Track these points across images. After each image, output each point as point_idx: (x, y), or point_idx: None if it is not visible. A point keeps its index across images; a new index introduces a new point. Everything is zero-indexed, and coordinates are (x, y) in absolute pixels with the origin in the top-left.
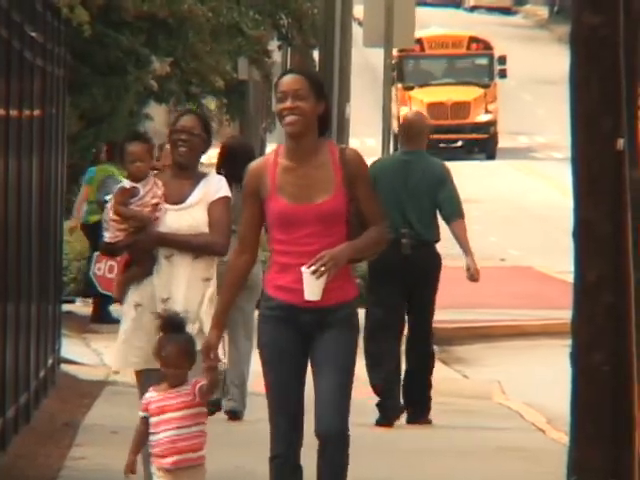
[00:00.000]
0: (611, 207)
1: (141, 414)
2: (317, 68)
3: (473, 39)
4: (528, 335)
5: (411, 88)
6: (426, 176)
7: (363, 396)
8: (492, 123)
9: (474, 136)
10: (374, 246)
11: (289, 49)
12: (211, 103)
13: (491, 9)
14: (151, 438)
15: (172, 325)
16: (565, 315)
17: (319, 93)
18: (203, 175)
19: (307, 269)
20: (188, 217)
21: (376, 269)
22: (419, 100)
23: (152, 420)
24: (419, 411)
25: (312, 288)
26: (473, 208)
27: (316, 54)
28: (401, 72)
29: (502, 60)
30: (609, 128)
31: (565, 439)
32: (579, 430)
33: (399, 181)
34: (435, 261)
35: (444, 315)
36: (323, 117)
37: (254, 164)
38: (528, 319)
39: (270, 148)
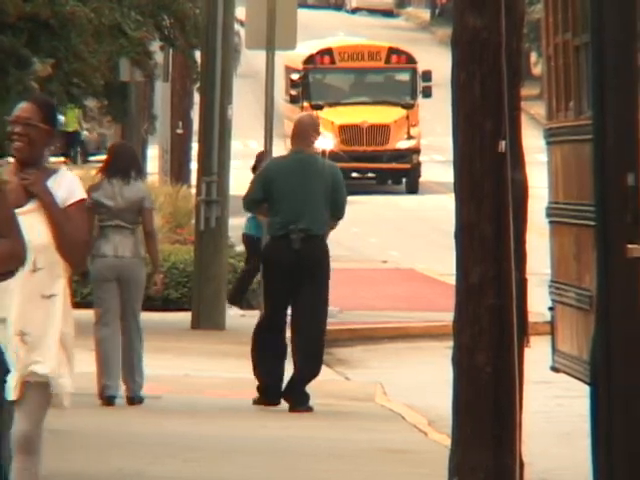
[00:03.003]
0: (493, 209)
1: None
2: (199, 69)
3: (393, 50)
4: (410, 337)
5: (320, 107)
6: (322, 177)
7: (244, 396)
8: (415, 150)
9: (394, 165)
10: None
11: (171, 50)
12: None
13: (373, 11)
14: None
15: None
16: (447, 317)
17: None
18: (51, 172)
19: None
20: (33, 221)
21: (269, 265)
22: (329, 122)
23: None
24: (303, 399)
25: None
26: (353, 209)
27: (199, 55)
28: (307, 88)
29: (427, 76)
30: (491, 130)
31: (447, 441)
32: (461, 431)
33: (295, 180)
34: (324, 255)
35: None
36: None
37: None
38: (410, 321)
39: (152, 150)
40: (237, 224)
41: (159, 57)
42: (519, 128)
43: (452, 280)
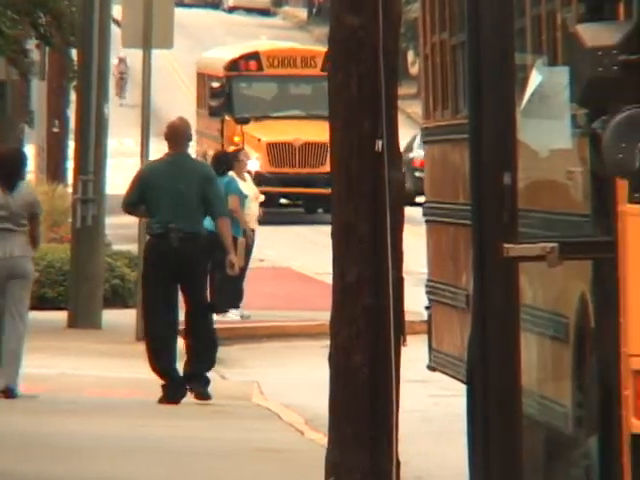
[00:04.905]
0: (370, 208)
1: None
2: (76, 68)
3: None
4: (287, 336)
5: (245, 121)
6: (194, 176)
7: (120, 395)
8: None
9: (331, 191)
10: None
11: (47, 48)
12: None
13: (249, 10)
14: None
15: None
16: (324, 316)
17: None
18: None
19: None
20: None
21: (149, 261)
22: (255, 138)
23: None
24: (203, 389)
25: None
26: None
27: (75, 53)
28: (230, 98)
29: None
30: (368, 129)
31: (323, 440)
32: (337, 431)
33: (169, 181)
34: (202, 252)
35: None
36: None
37: None
38: (287, 320)
39: (28, 149)
40: (114, 223)
41: (35, 55)
42: (396, 127)
43: (329, 279)
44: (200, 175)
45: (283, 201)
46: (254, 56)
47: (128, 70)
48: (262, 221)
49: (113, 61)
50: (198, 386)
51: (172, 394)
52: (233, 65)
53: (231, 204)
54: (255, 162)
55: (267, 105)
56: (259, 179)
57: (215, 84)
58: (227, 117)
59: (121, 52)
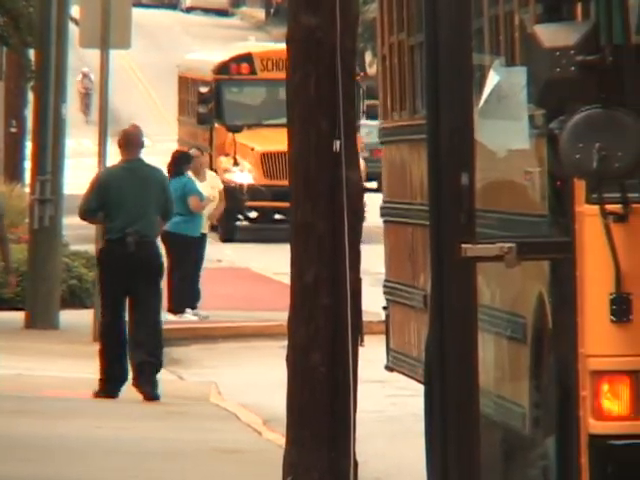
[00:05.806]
0: (328, 208)
1: None
2: (33, 68)
3: None
4: (245, 337)
5: (238, 129)
6: (150, 182)
7: (78, 395)
8: None
9: None
10: None
11: (5, 48)
12: None
13: (207, 10)
14: None
15: None
16: (282, 316)
17: None
18: None
19: None
20: None
21: (105, 265)
22: (248, 148)
23: None
24: (151, 392)
25: None
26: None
27: (33, 54)
28: (219, 104)
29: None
30: (326, 129)
31: (281, 440)
32: (295, 431)
33: (127, 186)
34: (157, 256)
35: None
36: None
37: None
38: (245, 320)
39: None
40: (72, 223)
41: None
42: (354, 127)
43: (287, 279)
44: (156, 181)
45: (277, 217)
46: (246, 58)
47: (93, 85)
48: (249, 239)
49: (77, 77)
50: (150, 390)
51: (113, 389)
52: (223, 68)
53: (192, 205)
54: (247, 174)
55: (261, 112)
56: (252, 192)
57: (203, 89)
58: (217, 125)
59: (84, 67)
